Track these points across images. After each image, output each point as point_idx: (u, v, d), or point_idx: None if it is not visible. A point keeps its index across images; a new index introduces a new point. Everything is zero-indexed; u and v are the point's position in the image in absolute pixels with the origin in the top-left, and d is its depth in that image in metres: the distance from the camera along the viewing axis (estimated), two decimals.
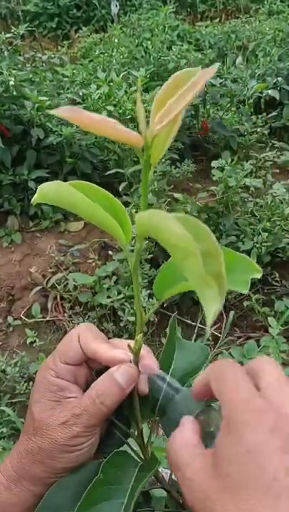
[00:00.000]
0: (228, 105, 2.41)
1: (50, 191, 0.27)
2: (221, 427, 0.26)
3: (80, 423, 0.33)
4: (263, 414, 0.25)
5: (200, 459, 0.27)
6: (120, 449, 0.35)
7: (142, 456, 0.36)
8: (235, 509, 0.23)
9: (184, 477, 0.27)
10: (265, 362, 0.29)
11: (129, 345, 0.33)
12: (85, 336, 0.35)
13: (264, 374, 0.28)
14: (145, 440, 0.37)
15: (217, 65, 0.22)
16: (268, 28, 3.37)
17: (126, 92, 2.20)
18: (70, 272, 1.83)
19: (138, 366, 0.34)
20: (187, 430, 0.30)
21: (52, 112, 0.21)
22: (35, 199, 0.28)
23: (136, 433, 0.36)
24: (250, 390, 0.27)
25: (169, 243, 0.22)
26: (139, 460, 0.34)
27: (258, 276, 0.28)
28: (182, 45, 3.05)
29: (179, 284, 0.29)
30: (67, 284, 1.75)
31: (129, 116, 2.07)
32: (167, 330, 0.41)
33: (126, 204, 1.87)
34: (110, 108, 2.06)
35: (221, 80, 2.46)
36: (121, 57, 2.93)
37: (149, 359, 0.36)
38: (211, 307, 0.21)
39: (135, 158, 2.21)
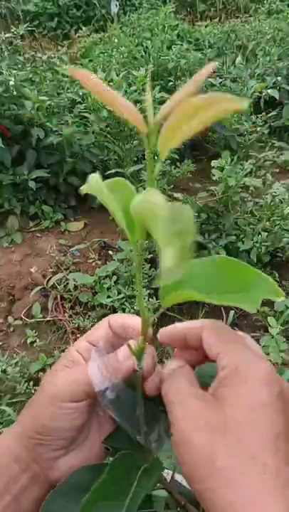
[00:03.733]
0: None
1: (96, 188, 0.26)
2: (221, 376, 0.28)
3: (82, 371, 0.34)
4: (273, 377, 0.27)
5: (201, 395, 0.28)
6: (127, 446, 0.35)
7: (145, 456, 0.36)
8: (239, 453, 0.24)
9: (183, 407, 0.27)
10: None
11: (129, 345, 0.33)
12: (114, 316, 0.37)
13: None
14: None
15: (215, 63, 0.21)
16: (267, 28, 3.37)
17: (126, 91, 2.20)
18: (70, 271, 1.84)
19: (141, 369, 0.34)
20: (185, 368, 0.31)
21: (69, 72, 0.21)
22: (84, 188, 0.27)
23: (142, 432, 0.36)
24: (256, 354, 0.29)
25: (149, 214, 0.21)
26: (143, 462, 0.34)
27: (279, 299, 0.28)
28: (182, 45, 3.05)
29: (184, 293, 0.29)
30: (67, 283, 1.76)
31: None
32: None
33: None
34: (110, 108, 2.06)
35: (221, 80, 2.47)
36: (121, 56, 2.93)
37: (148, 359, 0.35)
38: (166, 261, 0.18)
39: (135, 158, 2.21)
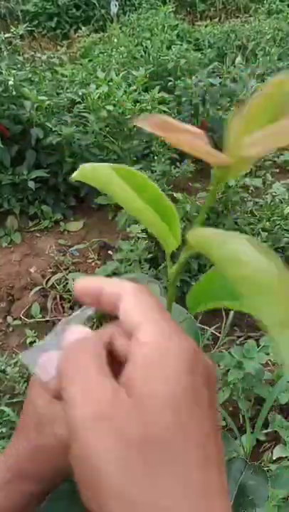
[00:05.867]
0: (228, 105, 2.41)
1: (100, 176, 0.24)
2: (138, 356, 0.21)
3: None
4: (196, 358, 0.21)
5: (113, 393, 0.20)
6: None
7: None
8: (164, 479, 0.18)
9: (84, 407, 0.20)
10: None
11: None
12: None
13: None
14: None
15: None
16: (267, 28, 3.37)
17: (125, 91, 2.19)
18: (69, 271, 1.83)
19: None
20: (89, 341, 0.24)
21: (139, 124, 0.20)
22: (75, 176, 0.26)
23: None
24: (179, 329, 0.23)
25: (238, 273, 0.18)
26: None
27: None
28: (182, 45, 3.05)
29: (216, 302, 0.26)
30: (66, 283, 1.75)
31: (129, 115, 2.06)
32: None
33: None
34: (110, 108, 2.06)
35: (221, 80, 2.46)
36: (120, 56, 2.92)
37: None
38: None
39: (135, 158, 2.21)
